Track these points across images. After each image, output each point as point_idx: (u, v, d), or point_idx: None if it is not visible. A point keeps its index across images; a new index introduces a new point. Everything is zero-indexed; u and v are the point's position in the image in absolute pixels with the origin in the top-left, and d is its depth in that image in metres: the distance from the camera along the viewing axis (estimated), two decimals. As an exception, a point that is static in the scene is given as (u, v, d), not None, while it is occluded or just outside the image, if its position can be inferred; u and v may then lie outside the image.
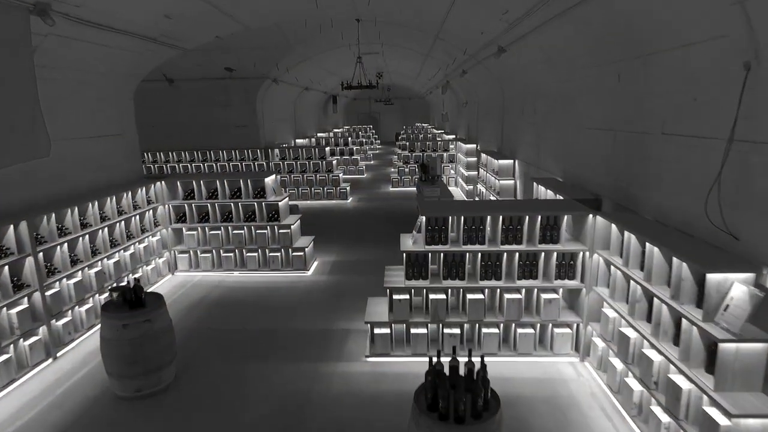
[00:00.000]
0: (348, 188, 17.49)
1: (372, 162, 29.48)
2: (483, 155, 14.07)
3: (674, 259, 4.11)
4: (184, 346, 6.77)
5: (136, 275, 8.19)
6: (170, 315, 5.77)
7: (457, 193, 18.46)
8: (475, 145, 17.73)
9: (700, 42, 4.38)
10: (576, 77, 7.57)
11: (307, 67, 18.83)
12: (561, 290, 6.03)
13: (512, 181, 11.80)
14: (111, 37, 7.76)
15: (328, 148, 17.47)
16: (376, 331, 6.17)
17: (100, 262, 7.44)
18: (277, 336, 7.11)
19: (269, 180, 9.35)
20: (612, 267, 5.32)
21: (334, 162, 17.39)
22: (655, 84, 5.33)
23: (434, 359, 3.62)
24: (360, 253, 11.01)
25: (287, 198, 9.83)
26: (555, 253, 5.81)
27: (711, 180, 4.20)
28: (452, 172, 20.14)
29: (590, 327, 5.88)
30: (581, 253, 5.80)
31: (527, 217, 5.77)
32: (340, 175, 17.38)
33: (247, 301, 8.38)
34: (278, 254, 9.49)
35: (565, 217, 5.77)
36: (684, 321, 3.95)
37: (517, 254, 5.86)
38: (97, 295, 7.30)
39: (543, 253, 5.87)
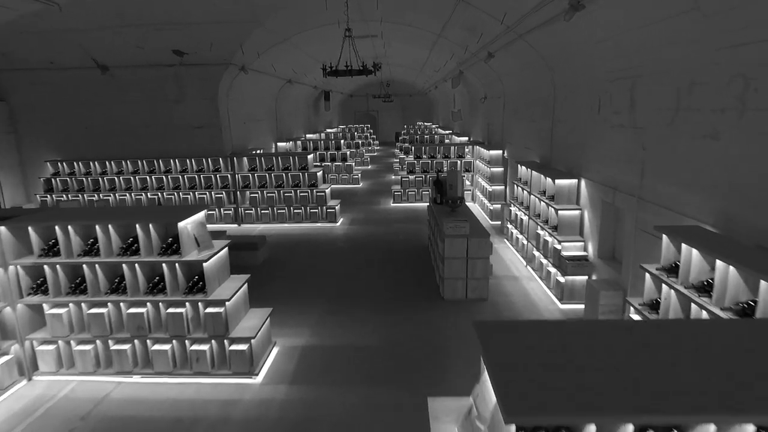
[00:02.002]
0: (338, 207, 13.58)
1: (369, 167, 25.62)
2: (522, 168, 10.17)
3: None
4: None
5: None
6: None
7: (476, 210, 14.55)
8: (501, 152, 13.83)
9: None
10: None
11: (286, 52, 14.90)
12: None
13: (577, 212, 7.90)
14: None
15: (310, 156, 13.54)
16: None
17: None
18: None
19: (187, 225, 5.43)
20: None
21: (319, 174, 13.47)
22: None
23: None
24: (348, 327, 7.08)
25: (224, 251, 5.91)
26: None
27: None
28: (467, 182, 16.25)
29: None
30: None
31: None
32: (327, 190, 13.47)
33: (130, 460, 4.48)
34: (206, 347, 5.59)
35: None
36: None
37: None
38: None
39: None
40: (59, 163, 13.59)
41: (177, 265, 5.40)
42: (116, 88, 13.17)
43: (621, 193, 6.53)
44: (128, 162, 13.50)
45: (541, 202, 8.74)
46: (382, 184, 20.30)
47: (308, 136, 24.64)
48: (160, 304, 5.55)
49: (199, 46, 12.06)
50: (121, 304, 5.57)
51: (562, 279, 7.66)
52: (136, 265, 5.41)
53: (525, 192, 9.81)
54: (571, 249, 7.75)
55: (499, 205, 12.93)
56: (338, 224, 13.44)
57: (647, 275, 4.85)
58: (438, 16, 11.65)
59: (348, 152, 20.71)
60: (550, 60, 9.03)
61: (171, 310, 5.50)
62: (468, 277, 7.84)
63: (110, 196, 13.52)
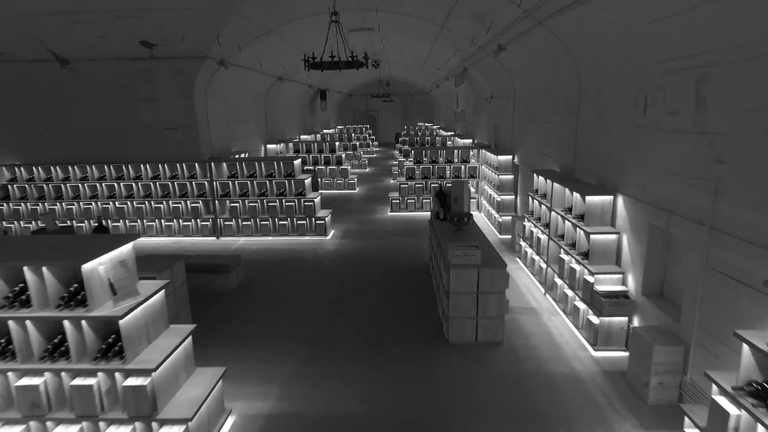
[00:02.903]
0: (328, 219, 12.09)
1: (367, 170, 24.14)
2: (539, 179, 8.69)
3: None
4: None
5: None
6: None
7: (481, 222, 13.06)
8: (510, 157, 12.35)
9: None
10: None
11: (273, 45, 13.42)
12: None
13: (613, 236, 6.40)
14: None
15: (297, 162, 12.04)
16: None
17: None
18: None
19: (99, 267, 3.95)
20: None
21: (307, 182, 11.98)
22: None
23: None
24: (327, 385, 5.58)
25: (158, 296, 4.42)
26: None
27: None
28: (472, 189, 14.78)
29: None
30: None
31: None
32: (316, 199, 11.98)
33: None
34: (127, 431, 4.10)
35: None
36: None
37: None
38: None
39: None
40: (16, 168, 12.12)
41: (84, 321, 3.92)
42: (79, 85, 11.71)
43: (679, 217, 5.04)
44: (94, 167, 12.03)
45: (566, 222, 7.25)
46: (380, 189, 18.82)
47: (303, 137, 23.22)
48: (63, 373, 4.07)
49: (170, 36, 10.59)
50: (9, 373, 4.09)
51: (595, 320, 6.17)
52: (27, 321, 3.93)
53: (543, 207, 8.32)
54: (606, 282, 6.26)
55: (510, 218, 11.45)
56: (328, 237, 11.96)
57: (745, 347, 3.37)
58: (441, 3, 10.17)
59: (343, 155, 19.22)
60: (577, 50, 7.54)
61: (77, 381, 4.02)
62: (479, 316, 6.36)
63: (74, 204, 12.08)
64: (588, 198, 6.54)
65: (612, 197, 6.53)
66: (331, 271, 9.56)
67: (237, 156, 13.78)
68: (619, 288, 6.19)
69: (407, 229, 12.75)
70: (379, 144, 36.01)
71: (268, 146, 18.06)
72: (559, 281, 7.52)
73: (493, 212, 12.52)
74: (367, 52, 19.46)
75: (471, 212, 8.23)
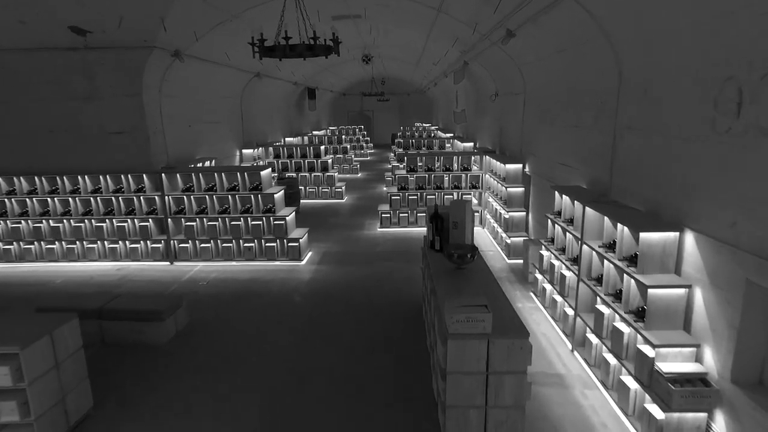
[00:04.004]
0: (303, 240, 10.15)
1: (359, 175, 22.19)
2: (563, 198, 6.78)
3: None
4: None
5: None
6: None
7: (485, 241, 11.15)
8: (519, 166, 10.43)
9: None
10: None
11: (240, 34, 11.44)
12: None
13: (681, 291, 4.48)
14: None
15: (265, 172, 10.09)
16: None
17: None
18: None
19: None
20: None
21: (278, 196, 10.03)
22: None
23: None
24: None
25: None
26: None
27: None
28: (474, 200, 12.92)
29: None
30: None
31: None
32: (288, 217, 10.04)
33: None
34: None
35: None
36: None
37: None
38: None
39: None
40: (-69, 181, 10.20)
41: None
42: (4, 79, 9.78)
43: (815, 282, 3.12)
44: (22, 179, 10.09)
45: (606, 262, 5.33)
46: (372, 198, 16.89)
47: (288, 140, 21.29)
48: None
49: (106, 21, 8.67)
50: None
51: (658, 413, 4.26)
52: None
53: (570, 236, 6.41)
54: (672, 357, 4.35)
55: (521, 240, 9.53)
56: (303, 262, 10.03)
57: None
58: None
59: (330, 160, 17.26)
60: (618, 29, 5.63)
61: None
62: (489, 405, 4.44)
63: None
64: (643, 235, 4.61)
65: (677, 233, 4.61)
66: (299, 312, 7.63)
67: (202, 164, 11.85)
68: (693, 368, 4.27)
69: (398, 249, 10.83)
70: (374, 146, 34.10)
71: (245, 151, 16.12)
72: (594, 339, 5.61)
73: (500, 231, 10.61)
74: (358, 45, 17.56)
75: (475, 246, 6.29)
